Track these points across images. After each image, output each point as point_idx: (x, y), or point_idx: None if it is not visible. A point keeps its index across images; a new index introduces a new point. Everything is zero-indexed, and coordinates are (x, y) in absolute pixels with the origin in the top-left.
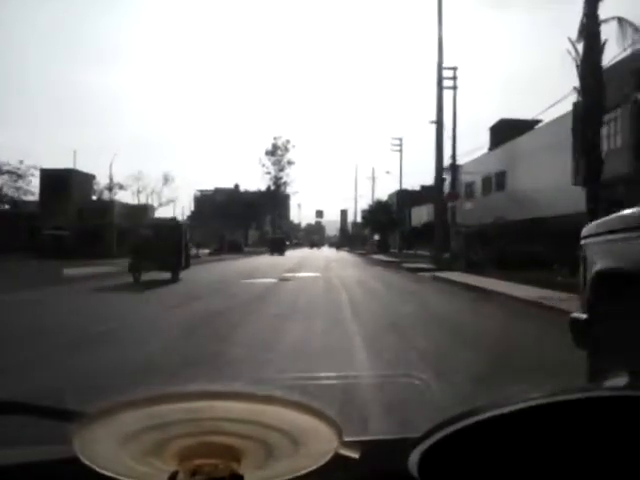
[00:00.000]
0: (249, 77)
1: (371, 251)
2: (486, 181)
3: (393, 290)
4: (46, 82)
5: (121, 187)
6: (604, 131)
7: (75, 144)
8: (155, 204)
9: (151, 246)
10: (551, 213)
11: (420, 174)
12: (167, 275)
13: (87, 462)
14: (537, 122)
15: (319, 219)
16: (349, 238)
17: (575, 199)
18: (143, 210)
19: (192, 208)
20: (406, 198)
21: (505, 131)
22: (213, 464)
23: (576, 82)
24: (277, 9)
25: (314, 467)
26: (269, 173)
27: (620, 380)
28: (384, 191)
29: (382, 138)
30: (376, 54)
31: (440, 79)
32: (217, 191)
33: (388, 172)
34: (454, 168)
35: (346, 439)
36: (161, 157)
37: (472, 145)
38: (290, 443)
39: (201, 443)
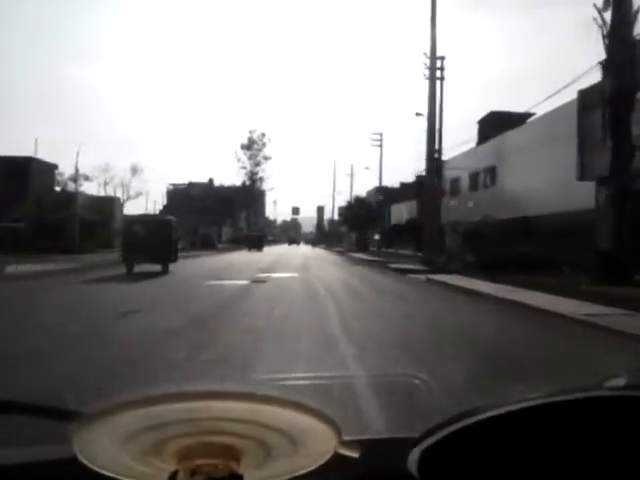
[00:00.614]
0: (225, 70)
1: (349, 249)
2: (474, 177)
3: (387, 296)
4: (26, 76)
5: (87, 178)
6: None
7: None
8: (123, 197)
9: (143, 240)
10: (549, 211)
11: (399, 171)
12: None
13: (87, 462)
14: (529, 115)
15: (295, 216)
16: (326, 235)
17: (580, 195)
18: (109, 202)
19: (164, 202)
20: (385, 195)
21: (494, 124)
22: (212, 464)
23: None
24: (253, 1)
25: (313, 467)
26: (245, 168)
27: (620, 380)
28: (363, 188)
29: (361, 134)
30: (356, 47)
31: (433, 63)
32: (191, 185)
33: (367, 168)
34: (439, 163)
35: (345, 439)
36: (134, 150)
37: (457, 140)
38: (289, 443)
39: (200, 443)
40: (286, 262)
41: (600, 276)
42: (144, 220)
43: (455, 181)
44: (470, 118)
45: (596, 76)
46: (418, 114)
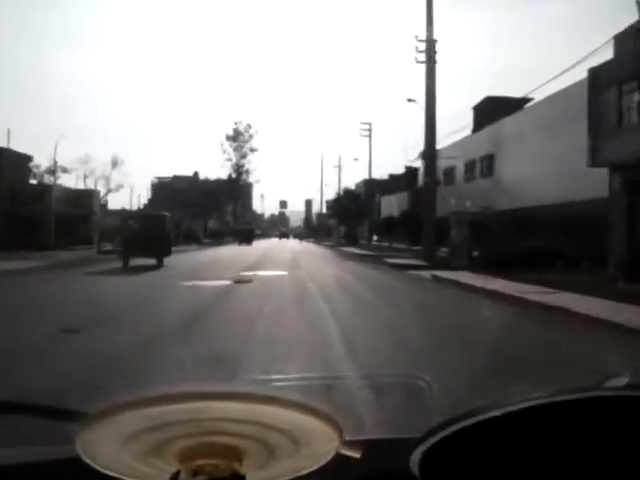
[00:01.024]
0: (211, 61)
1: (338, 243)
2: (470, 166)
3: (389, 299)
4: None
5: (65, 170)
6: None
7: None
8: (103, 190)
9: (139, 236)
10: (554, 200)
11: (387, 164)
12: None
13: (89, 462)
14: (527, 100)
15: (283, 210)
16: (314, 229)
17: (591, 182)
18: (88, 195)
19: (149, 196)
20: (374, 187)
21: (491, 111)
22: (214, 464)
23: None
24: None
25: (315, 467)
26: (230, 160)
27: (620, 380)
28: (351, 180)
29: (349, 125)
30: (343, 35)
31: (430, 34)
32: (176, 178)
33: (356, 159)
34: (433, 152)
35: (347, 439)
36: (117, 143)
37: (449, 129)
38: (291, 443)
39: (202, 443)
40: (274, 257)
41: (632, 272)
42: (140, 216)
43: (450, 171)
44: (463, 106)
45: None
46: (410, 100)
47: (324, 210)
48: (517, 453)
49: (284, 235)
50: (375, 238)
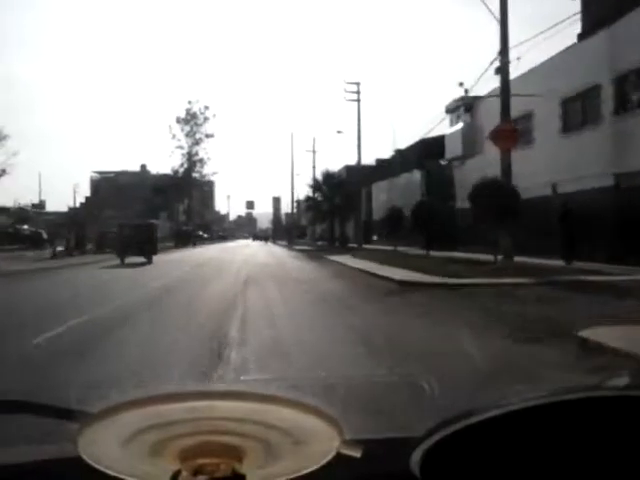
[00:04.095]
0: (159, 37)
1: (316, 246)
2: (572, 105)
3: None
4: None
5: None
6: None
7: None
8: None
9: (133, 239)
10: None
11: (370, 148)
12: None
13: (90, 461)
14: None
15: (250, 210)
16: (288, 229)
17: None
18: None
19: (88, 193)
20: (357, 175)
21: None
22: (215, 463)
23: None
24: None
25: (316, 466)
26: (181, 148)
27: (620, 380)
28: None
29: (324, 104)
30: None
31: None
32: (120, 173)
33: (339, 132)
34: (506, 79)
35: (347, 438)
36: (56, 138)
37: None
38: (292, 442)
39: (203, 442)
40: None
41: None
42: (133, 225)
43: (524, 119)
44: None
45: None
46: None
47: (296, 202)
48: (517, 453)
49: (259, 237)
50: (374, 238)
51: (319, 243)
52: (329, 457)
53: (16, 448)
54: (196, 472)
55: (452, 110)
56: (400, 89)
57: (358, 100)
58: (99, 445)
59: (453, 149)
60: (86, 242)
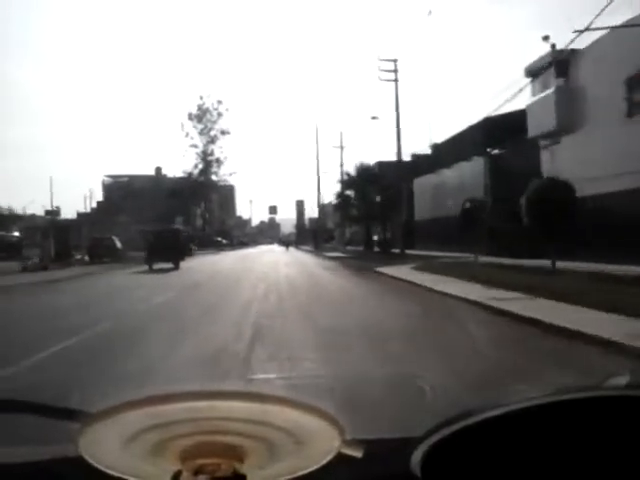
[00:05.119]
0: (169, 35)
1: (346, 251)
2: None
3: None
4: None
5: None
6: None
7: None
8: None
9: (160, 245)
10: None
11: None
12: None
13: (91, 461)
14: None
15: (273, 215)
16: (313, 233)
17: None
18: None
19: (101, 197)
20: (391, 172)
21: None
22: (216, 463)
23: None
24: None
25: (317, 466)
26: (195, 146)
27: (620, 380)
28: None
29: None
30: None
31: None
32: (133, 177)
33: (374, 117)
34: None
35: (348, 438)
36: (67, 143)
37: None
38: (293, 442)
39: (204, 442)
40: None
41: None
42: (158, 231)
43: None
44: None
45: None
46: None
47: (323, 202)
48: (517, 453)
49: (284, 242)
50: (408, 244)
51: (349, 248)
52: (330, 457)
53: (17, 448)
54: (197, 472)
55: (535, 73)
56: (436, 75)
57: (396, 80)
58: (100, 445)
59: (539, 124)
60: (71, 251)
